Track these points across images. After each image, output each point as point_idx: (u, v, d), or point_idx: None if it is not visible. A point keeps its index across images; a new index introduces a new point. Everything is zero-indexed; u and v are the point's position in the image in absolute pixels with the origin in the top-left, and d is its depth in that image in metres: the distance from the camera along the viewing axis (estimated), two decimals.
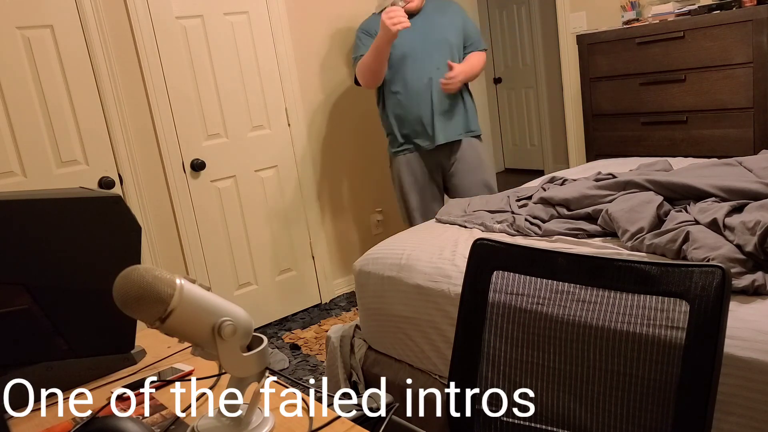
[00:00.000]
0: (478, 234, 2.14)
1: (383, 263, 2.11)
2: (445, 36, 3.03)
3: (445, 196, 3.27)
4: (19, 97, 2.70)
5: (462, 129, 3.11)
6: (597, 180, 2.23)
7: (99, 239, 1.08)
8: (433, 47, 3.00)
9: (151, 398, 1.11)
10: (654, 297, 1.04)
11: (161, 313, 0.84)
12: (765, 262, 1.51)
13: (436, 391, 1.95)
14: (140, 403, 1.09)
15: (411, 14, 3.00)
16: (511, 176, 6.57)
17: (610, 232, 1.93)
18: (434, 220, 2.43)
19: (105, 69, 2.89)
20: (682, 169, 2.27)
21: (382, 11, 2.97)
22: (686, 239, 1.65)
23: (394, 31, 2.74)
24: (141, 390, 1.13)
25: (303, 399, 1.04)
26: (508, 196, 2.42)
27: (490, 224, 2.18)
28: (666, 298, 1.03)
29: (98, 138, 2.91)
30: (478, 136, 3.20)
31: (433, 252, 2.05)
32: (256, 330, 3.11)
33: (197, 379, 1.17)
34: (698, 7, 3.09)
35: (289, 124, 3.54)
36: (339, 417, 0.97)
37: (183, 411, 1.04)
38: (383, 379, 2.14)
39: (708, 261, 1.52)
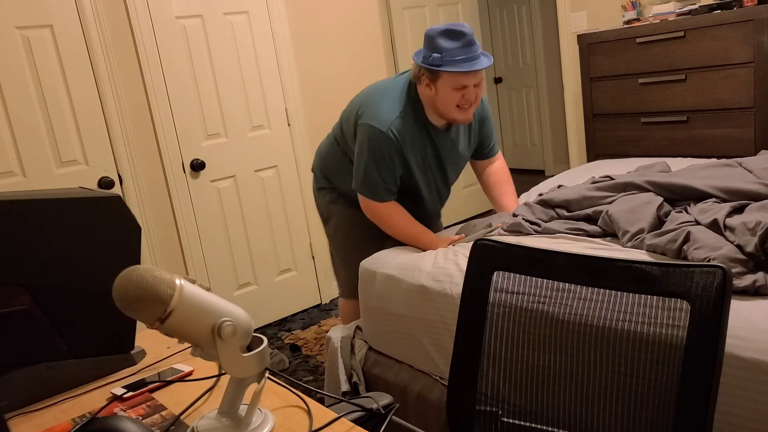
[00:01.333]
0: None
1: (389, 262, 2.11)
2: (464, 152, 2.29)
3: None
4: (19, 97, 2.70)
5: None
6: (595, 182, 2.22)
7: (99, 239, 1.08)
8: (449, 163, 2.26)
9: (151, 398, 1.10)
10: (655, 297, 1.04)
11: (161, 313, 0.84)
12: (765, 262, 1.51)
13: (437, 392, 1.95)
14: (140, 403, 1.09)
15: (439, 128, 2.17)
16: (512, 176, 6.56)
17: (610, 233, 1.93)
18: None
19: (105, 69, 2.89)
20: (682, 170, 2.27)
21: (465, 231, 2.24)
22: (687, 239, 1.65)
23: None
24: (141, 390, 1.13)
25: (303, 399, 1.04)
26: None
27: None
28: (667, 298, 1.02)
29: (98, 138, 2.91)
30: None
31: (438, 252, 2.05)
32: (256, 330, 3.11)
33: (197, 379, 1.16)
34: (699, 6, 3.09)
35: (289, 124, 3.54)
36: (339, 417, 0.97)
37: (183, 411, 1.04)
38: (383, 380, 2.14)
39: (709, 261, 1.52)
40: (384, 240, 2.28)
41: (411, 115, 2.08)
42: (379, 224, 2.18)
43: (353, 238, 2.34)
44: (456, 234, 2.26)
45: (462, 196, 4.32)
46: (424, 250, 2.12)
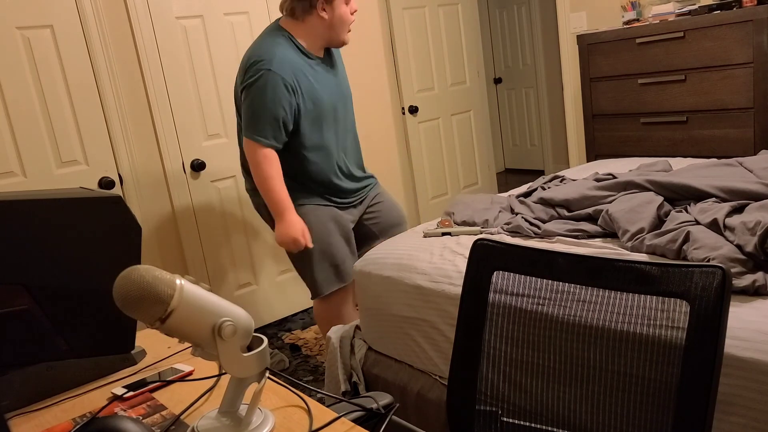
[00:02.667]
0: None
1: (383, 263, 2.11)
2: (349, 89, 2.53)
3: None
4: (19, 97, 2.70)
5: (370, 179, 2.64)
6: (597, 180, 2.23)
7: (99, 239, 1.08)
8: (344, 103, 2.47)
9: (151, 398, 1.11)
10: (654, 297, 1.04)
11: (161, 313, 0.84)
12: (765, 262, 1.51)
13: (437, 392, 1.95)
14: (140, 403, 1.09)
15: (324, 58, 2.40)
16: (511, 176, 6.57)
17: (610, 233, 1.93)
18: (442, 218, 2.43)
19: (105, 69, 2.89)
20: (683, 169, 2.27)
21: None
22: (686, 239, 1.65)
23: (285, 246, 2.34)
24: (141, 390, 1.13)
25: (303, 399, 1.04)
26: (510, 196, 2.41)
27: (492, 224, 2.18)
28: (666, 299, 1.03)
29: (98, 138, 2.91)
30: None
31: (434, 252, 2.05)
32: (256, 330, 3.11)
33: (197, 379, 1.17)
34: (698, 7, 3.09)
35: None
36: (339, 417, 0.97)
37: (183, 411, 1.04)
38: (383, 380, 2.14)
39: (708, 261, 1.52)
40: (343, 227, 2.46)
41: (291, 51, 2.28)
42: (256, 171, 2.28)
43: (329, 231, 2.43)
44: (445, 211, 2.32)
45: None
46: (276, 218, 2.31)
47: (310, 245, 2.36)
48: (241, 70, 2.29)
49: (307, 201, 2.42)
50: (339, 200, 2.48)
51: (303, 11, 2.28)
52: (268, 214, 2.45)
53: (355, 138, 2.57)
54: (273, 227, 2.43)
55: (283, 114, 2.24)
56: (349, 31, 2.38)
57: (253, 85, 2.22)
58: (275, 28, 2.33)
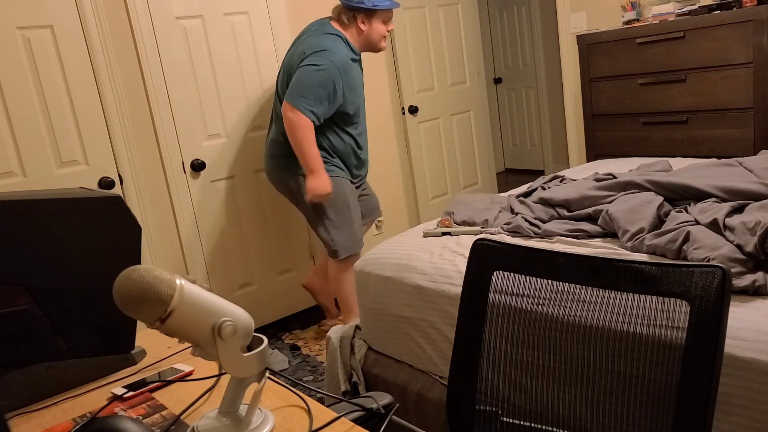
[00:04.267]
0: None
1: (383, 263, 2.11)
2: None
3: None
4: (19, 97, 2.70)
5: None
6: (597, 180, 2.23)
7: (99, 239, 1.08)
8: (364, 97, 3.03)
9: (151, 398, 1.11)
10: (654, 297, 1.04)
11: (161, 313, 0.84)
12: (765, 262, 1.51)
13: (437, 392, 1.95)
14: (140, 403, 1.09)
15: (359, 57, 2.94)
16: (511, 176, 6.57)
17: (610, 233, 1.93)
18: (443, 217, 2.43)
19: (105, 69, 2.89)
20: (683, 169, 2.27)
21: None
22: (686, 239, 1.65)
23: (313, 198, 2.79)
24: (141, 390, 1.13)
25: (303, 399, 1.04)
26: (510, 196, 2.41)
27: (492, 224, 2.18)
28: (666, 299, 1.03)
29: (98, 138, 2.91)
30: None
31: (434, 252, 2.05)
32: (256, 330, 3.09)
33: (197, 379, 1.17)
34: (698, 7, 3.09)
35: None
36: (339, 417, 0.97)
37: (183, 411, 1.04)
38: (383, 379, 2.14)
39: (708, 261, 1.52)
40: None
41: (346, 50, 2.78)
42: (296, 133, 2.71)
43: (351, 203, 2.95)
44: (445, 211, 2.40)
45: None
46: (313, 173, 2.76)
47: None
48: (309, 51, 2.73)
49: (339, 173, 2.90)
50: (353, 180, 3.00)
51: (348, 19, 2.82)
52: (287, 184, 2.94)
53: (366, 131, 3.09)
54: (291, 197, 2.99)
55: (329, 99, 2.71)
56: (384, 39, 2.89)
57: (317, 66, 2.69)
58: (332, 30, 2.82)
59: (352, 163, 2.96)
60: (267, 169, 3.05)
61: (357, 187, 3.06)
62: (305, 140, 2.71)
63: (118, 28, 2.93)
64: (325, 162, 2.82)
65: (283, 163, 2.93)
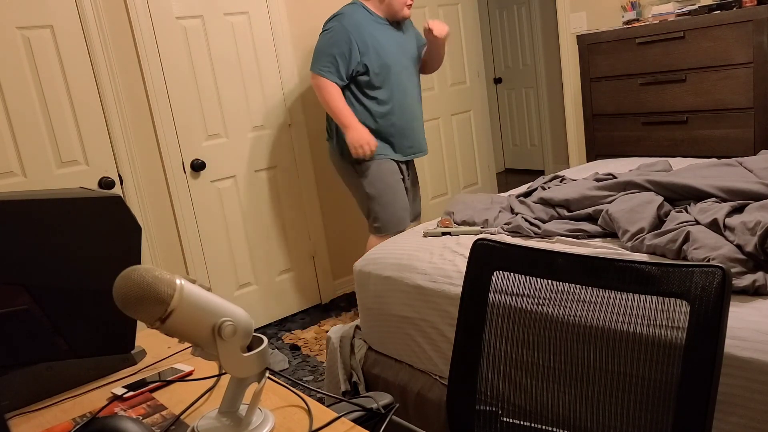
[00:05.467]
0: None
1: (383, 263, 2.11)
2: (417, 54, 3.11)
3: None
4: (19, 97, 2.70)
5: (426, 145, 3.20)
6: (597, 180, 2.23)
7: (99, 239, 1.08)
8: (410, 63, 3.04)
9: (151, 398, 1.11)
10: (654, 297, 1.04)
11: (161, 313, 0.84)
12: (765, 262, 1.51)
13: (437, 392, 1.95)
14: (140, 403, 1.09)
15: (394, 22, 3.00)
16: (511, 176, 6.57)
17: (610, 233, 1.93)
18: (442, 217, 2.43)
19: (105, 69, 2.89)
20: (683, 169, 2.27)
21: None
22: (686, 239, 1.65)
23: (357, 150, 2.88)
24: (141, 390, 1.13)
25: (303, 399, 1.04)
26: (510, 196, 2.41)
27: (492, 224, 2.18)
28: (666, 299, 1.03)
29: (98, 138, 2.91)
30: None
31: (434, 252, 2.05)
32: (256, 330, 3.10)
33: (197, 379, 1.17)
34: (698, 7, 3.09)
35: (289, 125, 3.54)
36: (339, 417, 0.97)
37: (183, 411, 1.04)
38: (383, 379, 2.14)
39: (708, 261, 1.52)
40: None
41: (360, 14, 2.90)
42: (322, 96, 2.87)
43: (392, 185, 3.00)
44: (445, 211, 2.40)
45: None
46: (346, 129, 2.86)
47: (373, 150, 2.90)
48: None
49: (378, 153, 2.96)
50: (398, 155, 3.02)
51: None
52: (348, 173, 3.04)
53: (418, 101, 3.10)
54: (341, 178, 3.12)
55: (343, 56, 2.83)
56: (409, 7, 2.94)
57: (326, 31, 2.89)
58: (353, 1, 2.98)
59: (389, 133, 2.97)
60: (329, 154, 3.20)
61: (407, 168, 3.10)
62: (331, 99, 2.85)
63: (118, 28, 2.93)
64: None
65: (329, 146, 3.11)
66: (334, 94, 2.85)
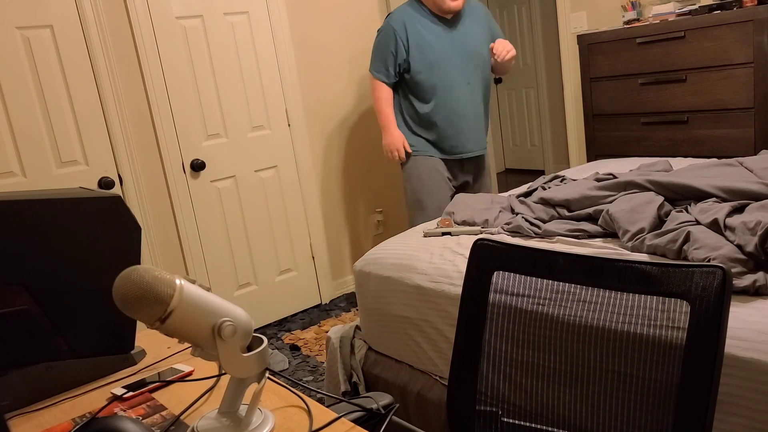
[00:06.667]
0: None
1: (383, 264, 2.11)
2: (479, 49, 3.02)
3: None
4: (19, 97, 2.70)
5: (484, 143, 3.13)
6: (597, 180, 2.22)
7: (99, 239, 1.08)
8: (465, 60, 2.98)
9: (151, 398, 1.10)
10: (655, 297, 1.04)
11: (161, 313, 0.84)
12: (766, 262, 1.51)
13: (437, 392, 1.95)
14: (140, 403, 1.09)
15: (446, 19, 2.97)
16: (512, 176, 6.56)
17: (610, 233, 1.93)
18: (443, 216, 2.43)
19: (105, 69, 2.89)
20: (683, 169, 2.27)
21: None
22: (687, 239, 1.65)
23: (387, 154, 3.02)
24: (141, 390, 1.13)
25: (303, 399, 1.04)
26: (510, 196, 2.41)
27: (492, 224, 2.17)
28: (667, 299, 1.02)
29: (98, 138, 2.91)
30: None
31: (434, 252, 2.05)
32: (256, 330, 3.10)
33: (197, 379, 1.16)
34: (699, 7, 3.09)
35: (289, 125, 3.54)
36: (339, 417, 0.97)
37: (183, 411, 1.04)
38: (383, 380, 2.14)
39: (709, 261, 1.52)
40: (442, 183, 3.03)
41: (412, 10, 2.95)
42: (372, 96, 3.01)
43: (424, 178, 3.01)
44: (445, 211, 2.39)
45: None
46: (382, 131, 3.00)
47: (404, 156, 3.00)
48: None
49: (420, 149, 3.02)
50: (449, 154, 3.04)
51: None
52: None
53: (483, 98, 3.07)
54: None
55: (390, 55, 2.93)
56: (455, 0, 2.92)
57: (377, 34, 3.00)
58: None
59: (430, 132, 2.99)
60: None
61: (462, 167, 3.08)
62: (376, 100, 3.00)
63: (118, 28, 2.93)
64: (407, 137, 3.01)
65: None
66: (380, 95, 2.98)
